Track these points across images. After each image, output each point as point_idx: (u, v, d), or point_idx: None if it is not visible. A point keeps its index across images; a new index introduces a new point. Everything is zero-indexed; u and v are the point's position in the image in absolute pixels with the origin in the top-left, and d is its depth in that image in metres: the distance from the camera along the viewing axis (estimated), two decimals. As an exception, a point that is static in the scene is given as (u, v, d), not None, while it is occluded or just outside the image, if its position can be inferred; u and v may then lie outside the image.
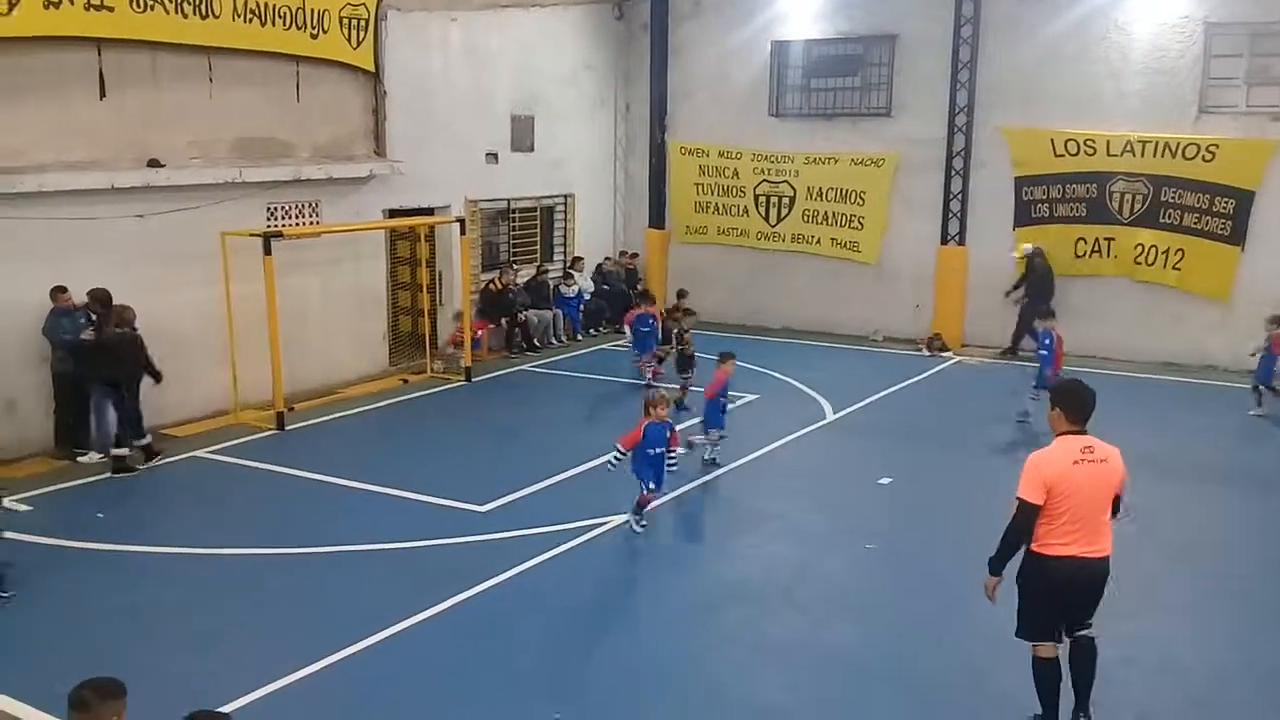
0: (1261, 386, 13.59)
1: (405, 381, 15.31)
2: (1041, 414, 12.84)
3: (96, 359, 11.15)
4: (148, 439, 11.62)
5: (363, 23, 14.73)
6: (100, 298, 11.29)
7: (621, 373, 15.63)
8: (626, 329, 15.31)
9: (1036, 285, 16.62)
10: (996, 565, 6.04)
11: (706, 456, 11.54)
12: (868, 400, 14.31)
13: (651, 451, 9.45)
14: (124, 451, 11.22)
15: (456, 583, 8.29)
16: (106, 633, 7.58)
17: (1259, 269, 15.62)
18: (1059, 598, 6.00)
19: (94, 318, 11.28)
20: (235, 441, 12.36)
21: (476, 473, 11.28)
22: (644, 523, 9.56)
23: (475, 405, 14.45)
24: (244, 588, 8.46)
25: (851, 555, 9.24)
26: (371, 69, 15.03)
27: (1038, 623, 6.08)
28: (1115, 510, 6.01)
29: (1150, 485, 11.01)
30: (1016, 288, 17.06)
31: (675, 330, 14.63)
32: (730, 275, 19.81)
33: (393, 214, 15.69)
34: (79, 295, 11.37)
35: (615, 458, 9.54)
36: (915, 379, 15.61)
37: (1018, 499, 5.87)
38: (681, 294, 16.15)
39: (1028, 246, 16.82)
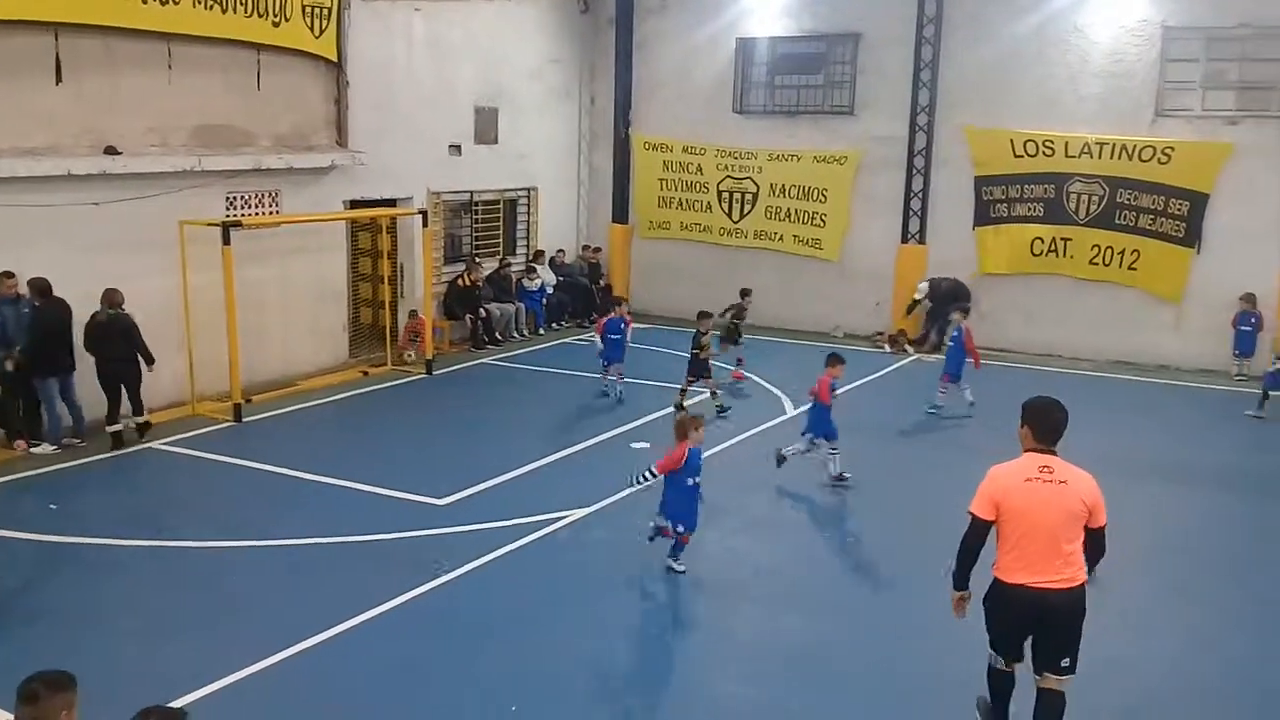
0: (1270, 392, 13.64)
1: (365, 374, 15.21)
2: (953, 405, 13.27)
3: (97, 340, 11.37)
4: (146, 417, 11.91)
5: (325, 11, 14.61)
6: (40, 288, 11.14)
7: (585, 366, 15.61)
8: (597, 339, 14.26)
9: (940, 301, 17.00)
10: (957, 580, 5.80)
11: (835, 471, 10.91)
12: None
13: (691, 481, 8.53)
14: (75, 441, 11.12)
15: (415, 576, 8.27)
16: (58, 626, 7.48)
17: (1211, 271, 15.90)
18: (1014, 628, 5.70)
19: (36, 305, 11.14)
20: (192, 433, 12.24)
21: (436, 466, 11.25)
22: (683, 566, 8.63)
23: (436, 398, 14.39)
24: (200, 580, 8.39)
25: (812, 550, 9.32)
26: (334, 58, 14.92)
27: (999, 643, 5.85)
28: (1093, 553, 5.58)
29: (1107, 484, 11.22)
30: (909, 311, 17.55)
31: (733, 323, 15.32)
32: (693, 271, 19.85)
33: (354, 205, 15.59)
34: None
35: (644, 476, 8.68)
36: (875, 375, 15.74)
37: (969, 512, 5.62)
38: (745, 292, 16.10)
39: (923, 285, 17.17)
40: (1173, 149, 15.90)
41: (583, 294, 19.37)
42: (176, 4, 12.57)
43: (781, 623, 7.88)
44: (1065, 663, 5.67)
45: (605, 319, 14.36)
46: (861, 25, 17.99)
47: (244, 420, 12.74)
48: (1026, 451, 5.59)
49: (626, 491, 9.36)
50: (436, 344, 16.11)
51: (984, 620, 5.84)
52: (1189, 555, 9.43)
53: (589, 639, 7.56)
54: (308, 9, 14.31)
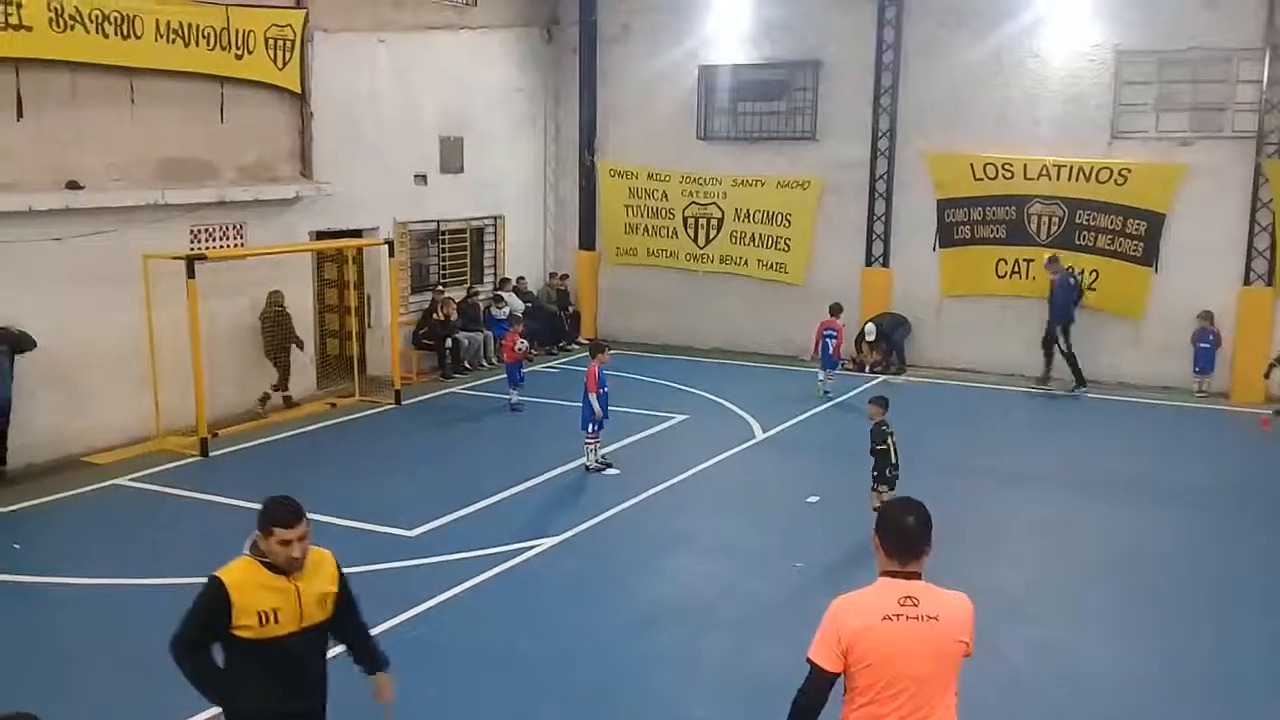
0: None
1: (333, 405, 15.15)
2: (839, 391, 13.76)
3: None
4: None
5: (289, 43, 14.63)
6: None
7: (552, 393, 15.62)
8: (594, 400, 11.80)
9: (886, 332, 17.54)
10: None
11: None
12: (796, 419, 14.51)
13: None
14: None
15: (386, 608, 8.22)
16: (24, 666, 7.38)
17: (1170, 289, 16.17)
18: None
19: None
20: (157, 469, 12.13)
21: (405, 497, 11.22)
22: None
23: (404, 429, 14.35)
24: (168, 618, 8.26)
25: (780, 574, 9.35)
26: (298, 90, 14.94)
27: None
28: None
29: (1070, 500, 11.36)
30: (859, 348, 17.85)
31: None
32: (660, 296, 19.96)
33: (320, 236, 15.57)
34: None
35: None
36: (843, 398, 15.85)
37: (807, 659, 4.07)
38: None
39: (870, 326, 17.44)
40: (1129, 170, 16.20)
41: (551, 321, 19.39)
42: (139, 38, 12.56)
43: (750, 648, 7.89)
44: None
45: (597, 369, 11.98)
46: (821, 53, 18.22)
47: (210, 455, 12.65)
48: (882, 575, 4.11)
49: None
50: (405, 374, 16.08)
51: None
52: (1155, 565, 9.56)
53: (558, 667, 7.55)
54: (271, 41, 14.34)
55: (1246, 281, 15.72)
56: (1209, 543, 10.16)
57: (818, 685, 4.03)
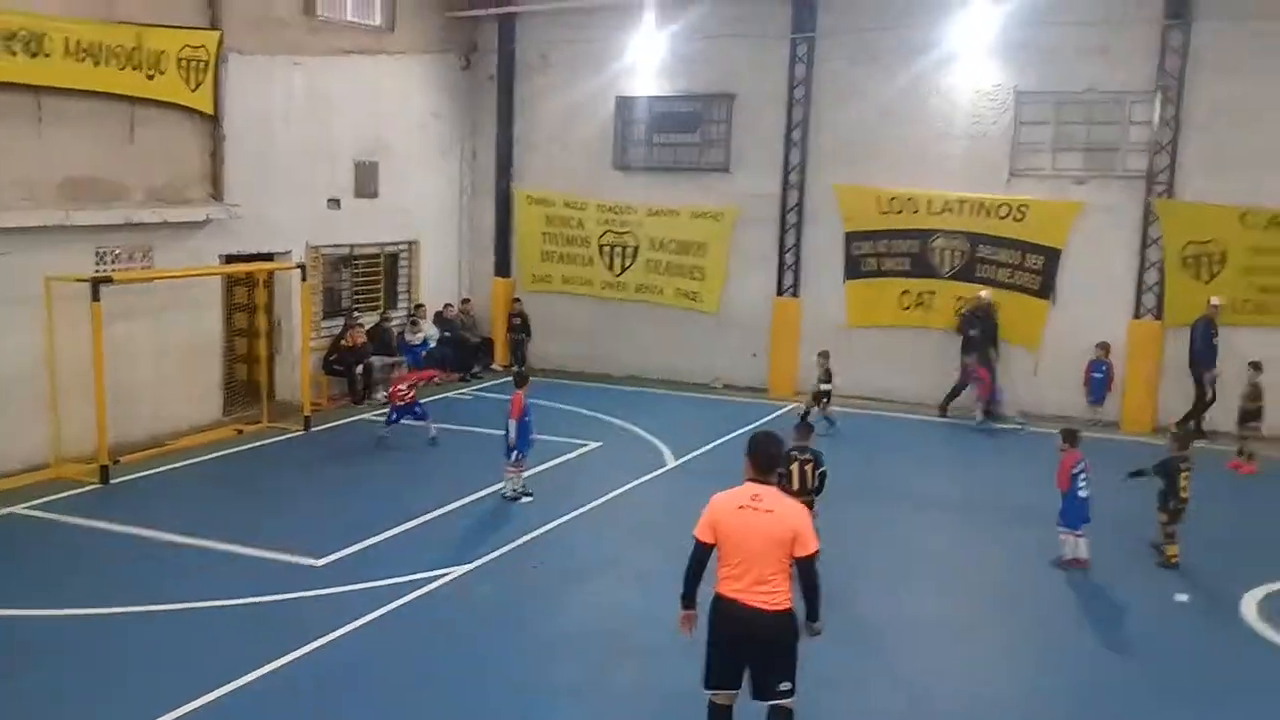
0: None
1: (240, 432, 14.92)
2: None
3: None
4: None
5: (202, 64, 14.48)
6: None
7: (467, 420, 15.59)
8: (512, 426, 11.73)
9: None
10: (683, 599, 6.22)
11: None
12: (708, 446, 14.70)
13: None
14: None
15: (290, 639, 8.15)
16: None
17: (1065, 322, 16.79)
18: (726, 641, 6.07)
19: None
20: (55, 496, 11.82)
21: (313, 526, 11.10)
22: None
23: (313, 456, 14.18)
24: (62, 651, 8.10)
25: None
26: (210, 111, 14.78)
27: (712, 668, 6.18)
28: (806, 581, 5.98)
29: (969, 528, 11.71)
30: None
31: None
32: (576, 324, 20.07)
33: (230, 259, 15.36)
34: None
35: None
36: (755, 425, 16.05)
37: (693, 535, 6.08)
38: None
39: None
40: (1027, 207, 16.82)
41: (463, 348, 19.36)
42: (47, 56, 12.33)
43: (661, 676, 7.97)
44: (784, 686, 6.04)
45: (522, 398, 11.86)
46: (735, 86, 18.60)
47: (111, 482, 12.37)
48: (746, 481, 6.02)
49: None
50: (315, 400, 15.91)
51: (705, 654, 6.19)
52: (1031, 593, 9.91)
53: (467, 697, 7.56)
54: (184, 62, 14.17)
55: (1137, 315, 16.41)
56: (1098, 569, 10.52)
57: (698, 554, 6.09)
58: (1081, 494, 10.31)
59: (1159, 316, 16.29)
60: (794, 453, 10.13)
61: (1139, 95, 16.22)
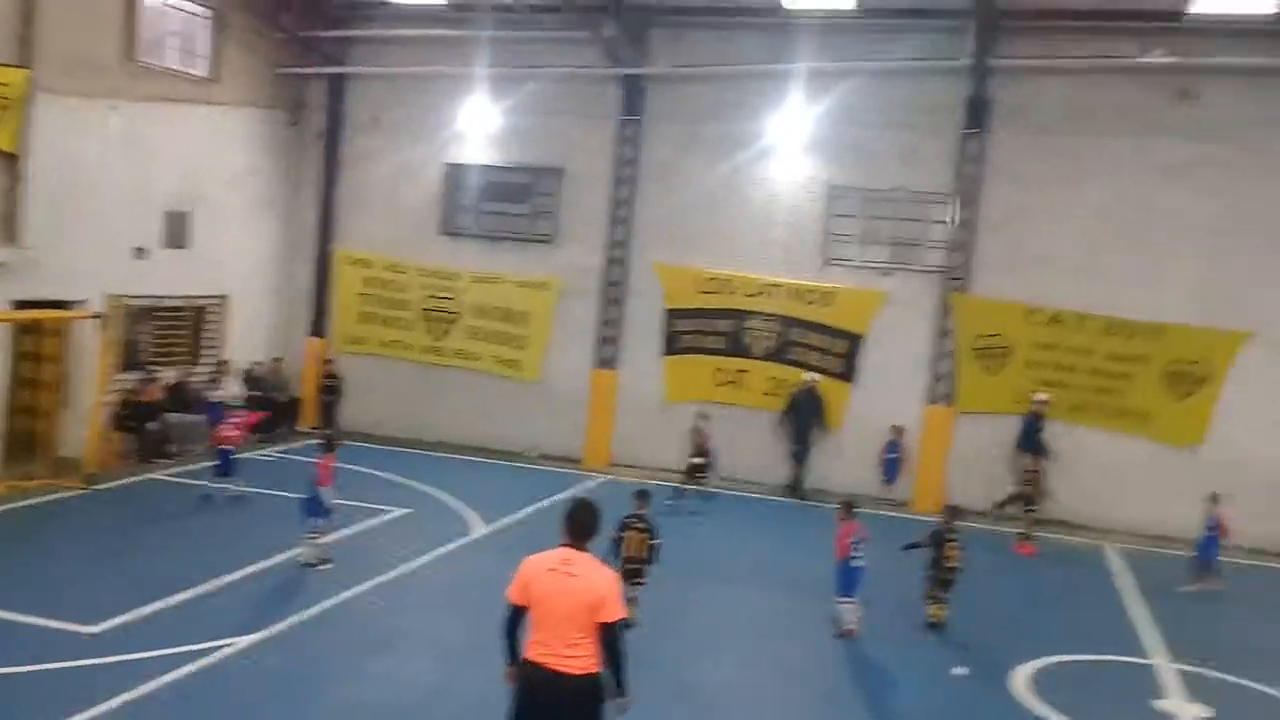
0: (1206, 564, 13.62)
1: (16, 488, 13.91)
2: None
3: None
4: None
5: (7, 102, 13.83)
6: None
7: (264, 483, 14.99)
8: (321, 492, 11.63)
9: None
10: (506, 658, 6.20)
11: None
12: (517, 515, 14.64)
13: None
14: None
15: (54, 712, 7.60)
16: None
17: (865, 404, 17.64)
18: (529, 705, 6.04)
19: None
20: None
21: (87, 589, 10.45)
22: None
23: (94, 515, 13.34)
24: None
25: (491, 672, 9.30)
26: (12, 150, 14.11)
27: None
28: (608, 648, 5.96)
29: (772, 599, 12.00)
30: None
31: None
32: (391, 387, 19.77)
33: (21, 305, 14.49)
34: None
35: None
36: (565, 494, 16.08)
37: (505, 597, 6.11)
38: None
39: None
40: (835, 294, 17.66)
41: (271, 407, 18.72)
42: None
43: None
44: None
45: (331, 464, 11.79)
46: (565, 161, 18.94)
47: None
48: (560, 545, 6.11)
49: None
50: (105, 457, 15.04)
51: (509, 717, 6.13)
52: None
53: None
54: (-13, 99, 13.50)
55: (931, 400, 17.36)
56: (885, 640, 10.92)
57: (508, 612, 6.12)
58: (855, 564, 10.79)
59: (950, 403, 17.27)
60: (630, 520, 10.26)
61: (940, 196, 17.36)
